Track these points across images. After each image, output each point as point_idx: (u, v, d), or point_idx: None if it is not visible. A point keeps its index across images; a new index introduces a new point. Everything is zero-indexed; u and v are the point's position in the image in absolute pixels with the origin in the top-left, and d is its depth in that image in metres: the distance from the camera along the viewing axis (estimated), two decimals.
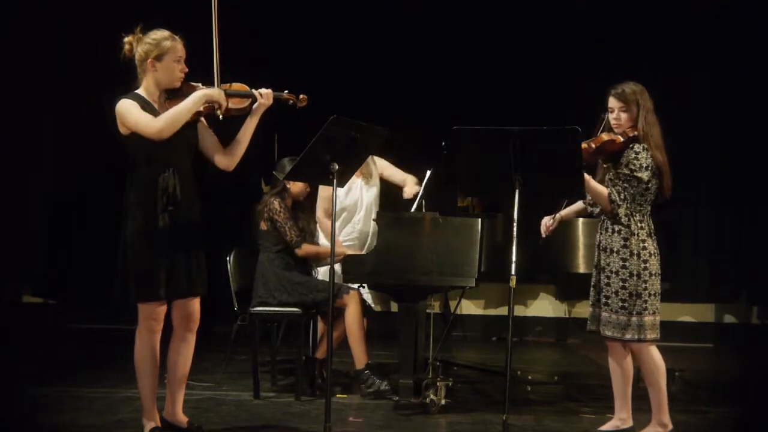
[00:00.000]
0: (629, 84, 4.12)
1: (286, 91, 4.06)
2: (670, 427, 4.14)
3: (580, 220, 5.08)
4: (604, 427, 4.31)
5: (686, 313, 8.16)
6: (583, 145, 3.98)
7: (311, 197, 5.56)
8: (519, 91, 7.61)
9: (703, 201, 8.01)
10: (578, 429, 4.48)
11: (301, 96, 4.07)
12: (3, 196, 7.82)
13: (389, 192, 7.66)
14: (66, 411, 4.54)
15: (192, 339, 4.01)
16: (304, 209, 5.49)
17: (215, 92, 3.85)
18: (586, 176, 4.06)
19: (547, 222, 4.44)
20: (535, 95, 7.52)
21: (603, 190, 4.09)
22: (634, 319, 4.04)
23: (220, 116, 3.90)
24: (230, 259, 5.51)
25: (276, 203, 5.22)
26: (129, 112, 3.75)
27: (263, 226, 5.26)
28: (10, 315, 7.91)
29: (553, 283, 8.26)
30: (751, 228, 7.92)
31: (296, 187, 5.31)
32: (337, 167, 4.03)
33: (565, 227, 5.11)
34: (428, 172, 5.41)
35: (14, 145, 7.92)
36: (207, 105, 3.86)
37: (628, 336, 4.06)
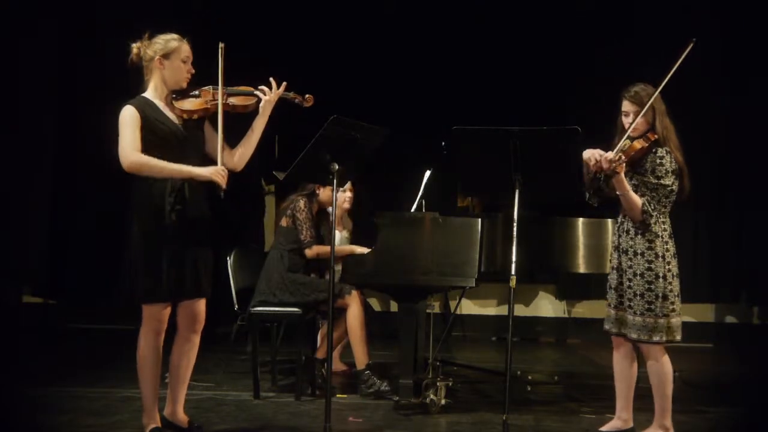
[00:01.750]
0: (642, 86, 4.06)
1: (292, 92, 4.07)
2: (672, 430, 4.13)
3: (580, 219, 5.08)
4: (604, 428, 4.31)
5: (686, 313, 8.06)
6: (613, 155, 3.90)
7: None
8: (519, 91, 7.60)
9: (704, 201, 8.00)
10: (578, 429, 4.48)
11: (307, 96, 4.07)
12: (3, 196, 7.82)
13: (389, 192, 7.69)
14: (66, 411, 4.54)
15: (196, 340, 4.03)
16: (329, 218, 5.48)
17: (208, 171, 3.81)
18: (627, 186, 3.98)
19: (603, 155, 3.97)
20: (535, 95, 7.52)
21: (638, 200, 4.00)
22: (661, 321, 4.00)
23: (221, 195, 3.87)
24: (230, 259, 5.51)
25: (302, 202, 5.27)
26: (124, 126, 3.76)
27: (284, 222, 5.29)
28: (10, 315, 7.91)
29: (553, 283, 8.26)
30: (752, 228, 7.91)
31: (325, 194, 5.34)
32: (337, 167, 4.03)
33: (565, 227, 5.12)
34: (428, 172, 5.41)
35: (14, 145, 7.92)
36: (206, 109, 3.88)
37: (656, 338, 4.01)
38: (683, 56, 3.98)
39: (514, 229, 3.92)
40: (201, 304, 3.98)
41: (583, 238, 5.09)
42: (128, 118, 3.77)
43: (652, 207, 4.01)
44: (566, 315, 8.34)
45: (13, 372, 5.70)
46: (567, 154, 3.87)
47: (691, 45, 3.97)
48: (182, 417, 4.05)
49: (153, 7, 7.44)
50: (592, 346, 7.17)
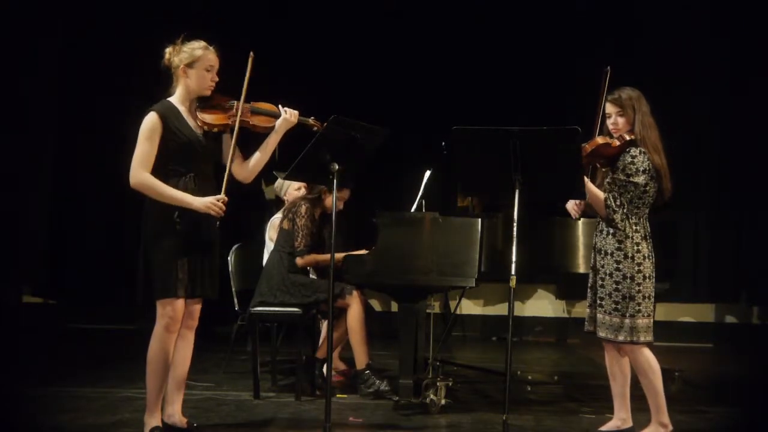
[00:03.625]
0: (626, 89, 4.14)
1: (312, 117, 4.14)
2: (671, 427, 4.13)
3: (581, 220, 5.08)
4: (604, 428, 4.31)
5: (686, 313, 8.16)
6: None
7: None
8: (519, 91, 7.61)
9: (704, 201, 8.01)
10: (578, 429, 4.48)
11: (326, 124, 4.12)
12: (3, 196, 7.82)
13: (389, 192, 7.69)
14: (66, 411, 4.54)
15: (191, 337, 4.05)
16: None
17: (203, 204, 3.82)
18: (585, 179, 4.07)
19: (575, 203, 4.31)
20: (535, 95, 7.52)
21: (600, 194, 4.10)
22: (627, 321, 4.05)
23: (218, 224, 3.93)
24: (231, 259, 5.52)
25: (303, 207, 5.25)
26: (142, 138, 3.84)
27: (285, 224, 5.29)
28: (10, 315, 7.91)
29: (553, 282, 8.26)
30: (751, 228, 7.91)
31: (329, 200, 5.34)
32: (337, 167, 4.03)
33: (565, 227, 5.12)
34: (428, 172, 5.41)
35: (15, 145, 7.92)
36: (226, 125, 3.95)
37: (620, 338, 4.07)
38: (605, 86, 4.15)
39: (514, 229, 3.93)
40: (199, 303, 4.03)
41: (583, 238, 5.09)
42: (148, 130, 3.84)
43: (618, 203, 4.06)
44: (566, 315, 8.34)
45: (13, 372, 5.70)
46: (567, 154, 3.87)
47: (608, 74, 4.15)
48: (180, 418, 4.04)
49: (152, 7, 7.46)
50: (592, 346, 7.16)
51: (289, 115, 4.04)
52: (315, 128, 4.13)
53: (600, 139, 4.10)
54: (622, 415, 4.28)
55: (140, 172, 3.81)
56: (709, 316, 8.23)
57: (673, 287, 6.54)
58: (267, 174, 5.62)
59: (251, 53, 3.93)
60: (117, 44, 7.65)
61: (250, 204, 8.04)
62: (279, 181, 5.73)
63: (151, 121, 3.85)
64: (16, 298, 8.25)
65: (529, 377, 5.96)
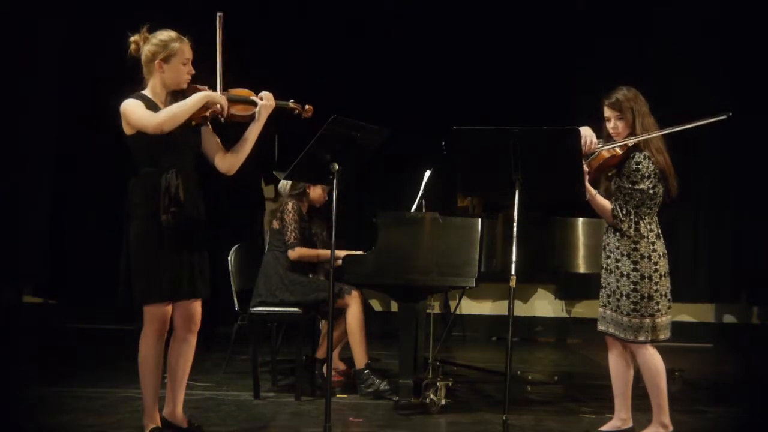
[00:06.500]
0: (622, 90, 4.10)
1: (292, 101, 4.07)
2: (671, 428, 4.14)
3: (580, 220, 5.09)
4: (604, 428, 4.31)
5: (686, 313, 8.15)
6: (585, 167, 3.98)
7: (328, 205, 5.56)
8: (520, 91, 7.60)
9: (704, 201, 8.01)
10: (578, 429, 4.49)
11: (307, 106, 4.08)
12: (3, 196, 7.82)
13: (389, 192, 7.69)
14: (66, 411, 4.54)
15: (193, 340, 4.02)
16: (321, 216, 5.51)
17: (217, 95, 3.84)
18: (591, 191, 4.06)
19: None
20: (536, 95, 7.52)
21: (607, 204, 4.09)
22: (647, 321, 4.04)
23: (222, 120, 3.89)
24: (231, 259, 5.52)
25: (290, 204, 5.27)
26: (133, 110, 3.75)
27: (275, 224, 5.32)
28: (10, 315, 7.91)
29: (553, 283, 8.26)
30: (751, 228, 7.91)
31: (315, 192, 5.38)
32: (337, 167, 4.03)
33: (565, 227, 5.12)
34: (428, 172, 5.41)
35: (14, 145, 7.92)
36: (210, 111, 3.85)
37: (641, 338, 4.05)
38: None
39: (514, 229, 3.93)
40: (197, 305, 3.97)
41: (583, 238, 5.09)
42: (133, 104, 3.76)
43: (624, 211, 4.05)
44: (566, 315, 8.34)
45: (13, 372, 5.70)
46: (567, 154, 3.87)
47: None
48: (181, 417, 4.04)
49: (151, 5, 7.44)
50: (592, 346, 7.17)
51: (266, 100, 3.92)
52: (296, 111, 4.05)
53: (606, 153, 4.06)
54: (622, 415, 4.28)
55: (152, 118, 3.68)
56: (709, 316, 8.23)
57: (673, 287, 6.56)
58: (267, 173, 5.63)
59: (219, 14, 3.79)
60: (117, 42, 7.64)
61: (251, 203, 8.06)
62: (283, 181, 5.75)
63: (131, 100, 3.76)
64: (16, 298, 8.25)
65: (529, 377, 5.96)
